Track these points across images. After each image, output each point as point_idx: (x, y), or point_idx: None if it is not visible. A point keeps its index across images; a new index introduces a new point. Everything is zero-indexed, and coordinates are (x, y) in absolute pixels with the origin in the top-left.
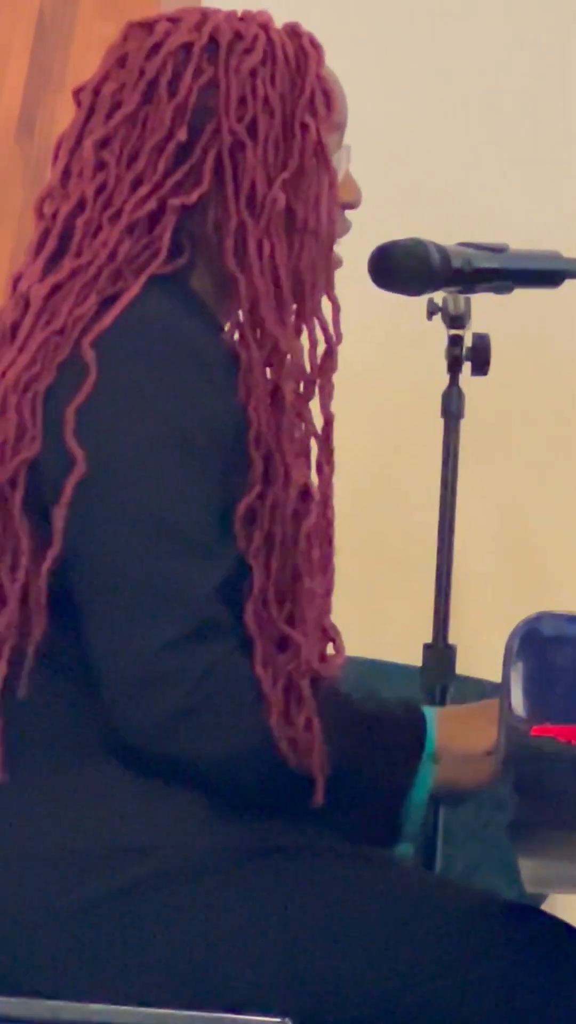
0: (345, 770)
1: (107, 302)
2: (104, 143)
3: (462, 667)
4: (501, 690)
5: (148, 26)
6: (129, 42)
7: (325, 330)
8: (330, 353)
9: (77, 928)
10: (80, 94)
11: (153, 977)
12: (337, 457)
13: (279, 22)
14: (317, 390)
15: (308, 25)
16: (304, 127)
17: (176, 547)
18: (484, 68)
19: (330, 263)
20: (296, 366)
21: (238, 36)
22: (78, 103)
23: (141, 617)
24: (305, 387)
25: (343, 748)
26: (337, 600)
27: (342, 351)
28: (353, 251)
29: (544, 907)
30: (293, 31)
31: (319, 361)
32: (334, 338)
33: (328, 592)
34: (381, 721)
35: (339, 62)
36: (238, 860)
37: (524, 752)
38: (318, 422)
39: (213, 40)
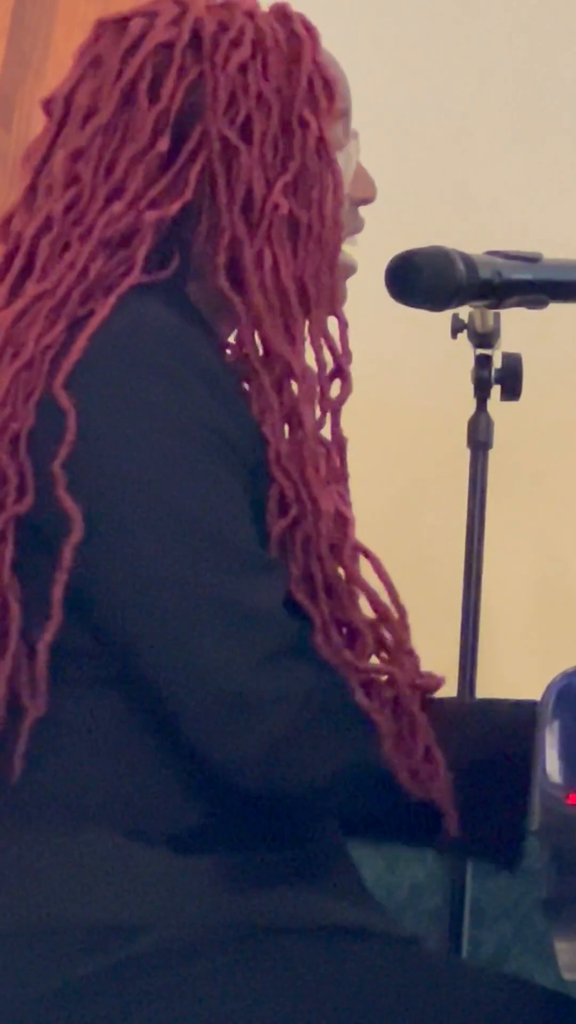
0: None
1: (76, 325)
2: (77, 155)
3: None
4: (534, 753)
5: (121, 23)
6: (101, 41)
7: (333, 349)
8: (342, 374)
9: (62, 1013)
10: (50, 105)
11: None
12: (351, 492)
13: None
14: (330, 414)
15: (321, 25)
16: (304, 123)
17: (241, 561)
18: (519, 61)
19: (335, 272)
20: (311, 390)
21: (222, 28)
22: (48, 114)
23: (227, 638)
24: (321, 412)
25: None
26: None
27: (356, 373)
28: (369, 261)
29: None
30: (282, 14)
31: (327, 382)
32: (344, 358)
33: (387, 610)
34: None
35: (355, 55)
36: (239, 939)
37: (561, 822)
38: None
39: (196, 35)
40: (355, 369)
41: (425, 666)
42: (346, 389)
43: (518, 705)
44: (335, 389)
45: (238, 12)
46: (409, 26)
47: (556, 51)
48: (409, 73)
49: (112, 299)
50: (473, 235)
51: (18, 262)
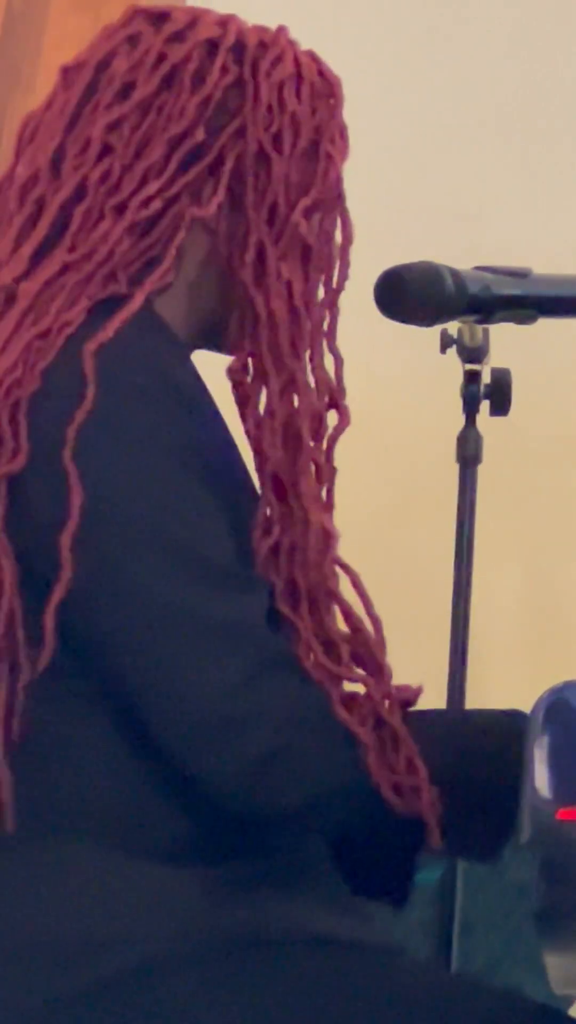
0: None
1: (97, 308)
2: (113, 126)
3: None
4: (524, 767)
5: (161, 14)
6: (136, 24)
7: (329, 384)
8: (337, 408)
9: None
10: (74, 71)
11: None
12: (339, 508)
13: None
14: (325, 443)
15: (312, 35)
16: (328, 157)
17: (221, 579)
18: (503, 79)
19: (335, 311)
20: (312, 405)
21: (265, 44)
22: (69, 82)
23: (208, 657)
24: (317, 439)
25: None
26: None
27: (344, 387)
28: (357, 276)
29: (574, 1011)
30: (314, 57)
31: (326, 413)
32: (338, 392)
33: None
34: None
35: (346, 68)
36: (225, 951)
37: (550, 837)
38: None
39: (240, 42)
40: (345, 382)
41: (415, 680)
42: (343, 422)
43: (496, 713)
44: (332, 419)
45: (281, 37)
46: (400, 40)
47: (547, 64)
48: (399, 87)
49: (142, 293)
50: (462, 250)
51: (43, 227)
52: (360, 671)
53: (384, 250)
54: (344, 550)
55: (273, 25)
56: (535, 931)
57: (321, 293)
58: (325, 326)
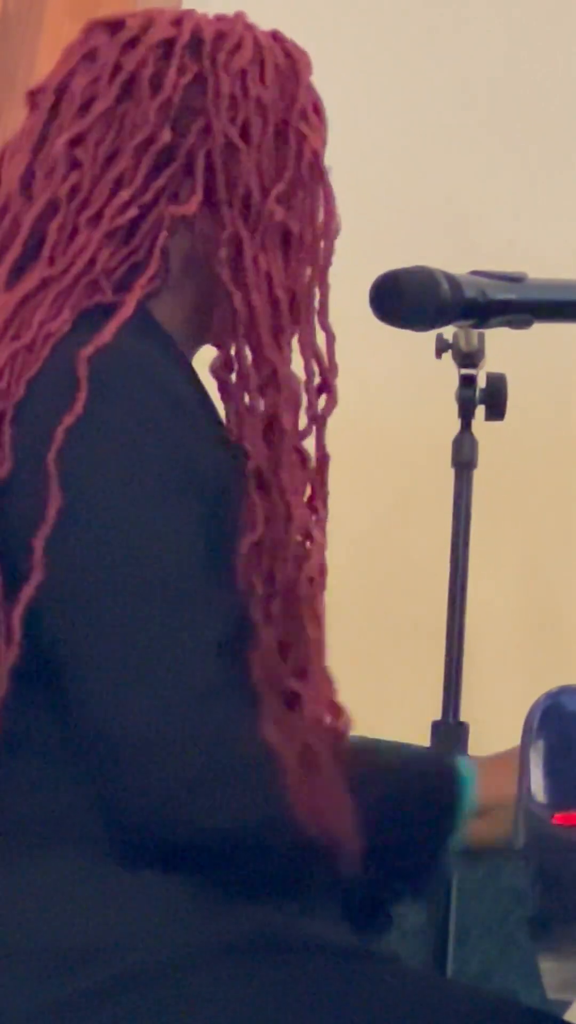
0: (369, 844)
1: (84, 316)
2: (77, 141)
3: (475, 747)
4: (519, 773)
5: (116, 23)
6: (94, 38)
7: (320, 362)
8: (328, 388)
9: None
10: (38, 95)
11: None
12: (334, 513)
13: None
14: (314, 427)
15: (310, 40)
16: (300, 135)
17: (176, 600)
18: (499, 83)
19: (325, 284)
20: (294, 397)
21: (222, 33)
22: (35, 105)
23: (141, 677)
24: (307, 423)
25: (367, 813)
26: (336, 671)
27: (340, 393)
28: (353, 281)
29: (568, 1016)
30: (276, 36)
31: (315, 395)
32: (330, 372)
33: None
34: (409, 784)
35: (341, 73)
36: (221, 957)
37: (545, 842)
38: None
39: (196, 37)
40: (339, 389)
41: (410, 685)
42: (331, 403)
43: (431, 756)
44: (321, 402)
45: (238, 23)
46: (397, 42)
47: (544, 68)
48: (395, 90)
49: (134, 297)
50: (458, 255)
51: (17, 246)
52: (300, 683)
53: (380, 254)
54: (335, 558)
55: (271, 26)
56: (529, 936)
57: (308, 273)
58: (316, 304)
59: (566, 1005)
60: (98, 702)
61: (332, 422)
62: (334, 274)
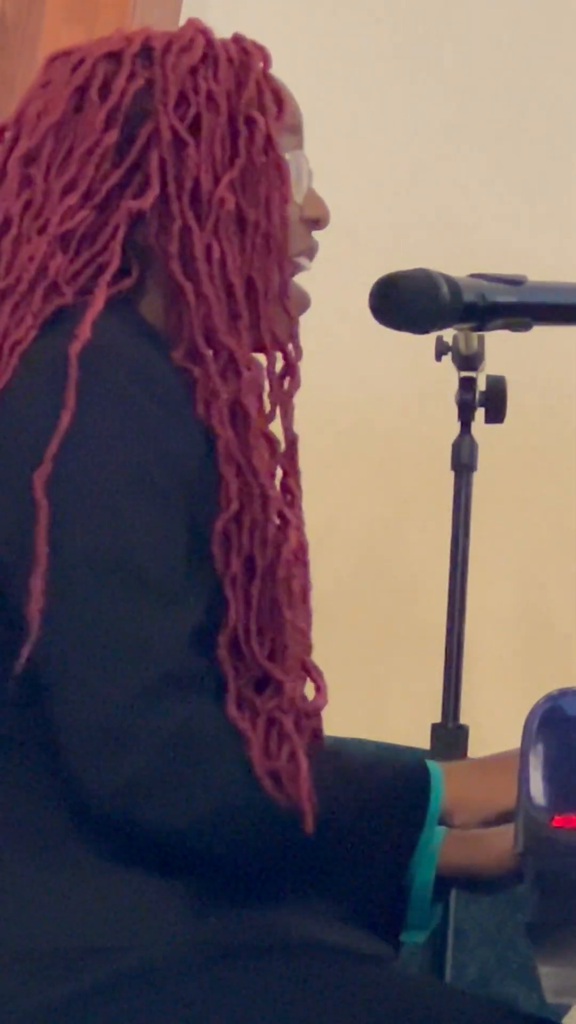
0: (335, 836)
1: (50, 323)
2: (30, 159)
3: (475, 750)
4: (519, 776)
5: (68, 51)
6: (51, 69)
7: (281, 346)
8: (291, 370)
9: None
10: (3, 131)
11: None
12: (333, 516)
13: (279, 51)
14: (279, 409)
15: (309, 46)
16: (251, 121)
17: (143, 593)
18: (498, 87)
19: (284, 271)
20: (255, 381)
21: (173, 40)
22: (1, 140)
23: (106, 669)
24: (271, 406)
25: (335, 807)
26: (336, 675)
27: (339, 396)
28: (353, 283)
29: (567, 1021)
30: (235, 37)
31: (278, 378)
32: (293, 353)
33: (308, 626)
34: (378, 779)
35: (341, 83)
36: (218, 958)
37: (544, 845)
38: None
39: (145, 46)
40: (339, 392)
41: (410, 688)
42: (293, 385)
43: (409, 764)
44: (284, 385)
45: (189, 28)
46: (395, 49)
47: (539, 74)
48: (395, 96)
49: (100, 295)
50: (457, 258)
51: None
52: (272, 665)
53: (380, 258)
54: (335, 561)
55: (270, 37)
56: (528, 940)
57: (266, 256)
58: (277, 287)
59: (564, 1009)
60: (62, 692)
61: (331, 425)
62: (333, 278)
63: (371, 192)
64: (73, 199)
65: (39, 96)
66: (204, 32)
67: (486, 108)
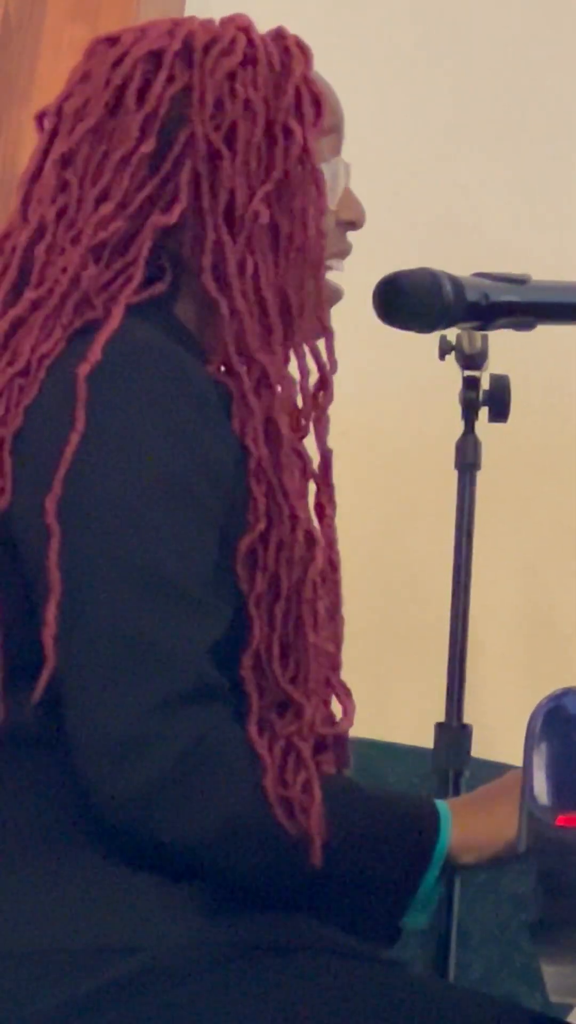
0: (344, 869)
1: (77, 336)
2: (66, 162)
3: (479, 749)
4: (522, 775)
5: (113, 39)
6: (93, 58)
7: (317, 357)
8: (325, 384)
9: None
10: (44, 118)
11: None
12: (337, 515)
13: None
14: (312, 424)
15: (310, 45)
16: (288, 132)
17: (170, 601)
18: (500, 86)
19: (320, 282)
20: (288, 397)
21: (215, 39)
22: (41, 127)
23: (128, 675)
24: (299, 421)
25: (345, 840)
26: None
27: (342, 395)
28: (357, 283)
29: (570, 1019)
30: (278, 34)
31: (312, 392)
32: (328, 366)
33: (338, 646)
34: (389, 816)
35: (339, 79)
36: (229, 958)
37: (548, 844)
38: (315, 460)
39: (187, 45)
40: (343, 390)
41: (414, 687)
42: (327, 398)
43: (421, 804)
44: (316, 397)
45: (231, 26)
46: (396, 49)
47: (539, 74)
48: (397, 95)
49: (120, 307)
50: (461, 257)
51: (12, 271)
52: (294, 688)
53: (383, 257)
54: (343, 556)
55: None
56: (532, 940)
57: (303, 269)
58: (311, 298)
59: (568, 1008)
60: (81, 697)
61: (335, 424)
62: (334, 277)
63: (371, 192)
64: (107, 209)
65: (79, 92)
66: (246, 30)
67: (486, 108)
